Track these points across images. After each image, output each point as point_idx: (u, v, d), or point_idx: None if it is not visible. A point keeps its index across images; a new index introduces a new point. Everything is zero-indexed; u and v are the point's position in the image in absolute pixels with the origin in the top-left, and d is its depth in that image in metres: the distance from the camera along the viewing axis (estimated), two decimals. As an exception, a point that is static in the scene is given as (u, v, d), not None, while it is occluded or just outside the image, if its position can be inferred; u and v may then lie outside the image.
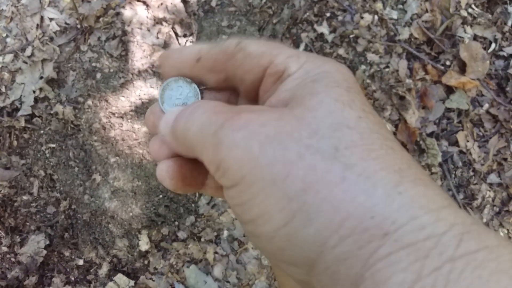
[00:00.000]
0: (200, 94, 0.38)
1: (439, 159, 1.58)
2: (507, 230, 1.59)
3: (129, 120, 1.59)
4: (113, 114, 1.59)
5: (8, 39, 1.67)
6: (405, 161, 0.26)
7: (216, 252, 1.54)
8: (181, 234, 1.55)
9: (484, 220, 1.58)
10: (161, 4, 1.64)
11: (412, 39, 1.66)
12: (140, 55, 1.62)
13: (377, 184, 0.24)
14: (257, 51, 0.32)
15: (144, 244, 1.54)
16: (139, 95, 1.61)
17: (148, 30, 1.64)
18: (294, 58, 0.31)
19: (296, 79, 0.30)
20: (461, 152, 1.63)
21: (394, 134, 1.59)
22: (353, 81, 0.29)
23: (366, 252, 0.23)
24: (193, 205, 1.58)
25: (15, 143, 1.61)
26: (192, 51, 0.35)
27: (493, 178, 1.62)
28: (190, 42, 1.66)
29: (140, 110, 1.60)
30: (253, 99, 0.36)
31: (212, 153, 0.27)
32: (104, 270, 1.55)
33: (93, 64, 1.62)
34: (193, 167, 0.35)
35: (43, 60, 1.62)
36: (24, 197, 1.59)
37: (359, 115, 0.27)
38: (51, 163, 1.59)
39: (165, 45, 1.64)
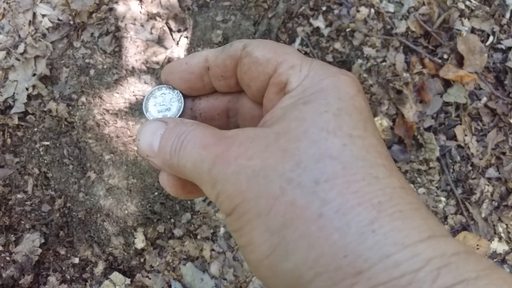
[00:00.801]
0: (183, 98, 0.38)
1: (437, 153, 1.56)
2: (506, 224, 1.58)
3: (123, 117, 1.57)
4: (107, 111, 1.58)
5: (0, 36, 1.65)
6: (389, 190, 0.25)
7: (212, 249, 1.52)
8: (177, 232, 1.54)
9: (483, 215, 1.57)
10: (155, -1, 1.62)
11: (409, 33, 1.64)
12: (134, 51, 1.60)
13: (352, 221, 0.24)
14: (263, 57, 0.32)
15: (140, 242, 1.53)
16: (133, 92, 1.59)
17: (142, 25, 1.62)
18: (296, 69, 0.31)
19: (292, 98, 0.30)
20: (459, 146, 1.61)
21: (391, 129, 1.58)
22: (349, 97, 0.29)
23: None
24: (189, 202, 1.57)
25: (8, 141, 1.59)
26: (199, 61, 0.36)
27: (491, 172, 1.61)
28: (185, 37, 1.64)
29: (135, 107, 1.58)
30: (259, 103, 0.36)
31: (209, 189, 0.29)
32: (100, 268, 1.53)
33: (87, 60, 1.61)
34: None
35: (36, 57, 1.61)
36: (19, 196, 1.57)
37: (344, 143, 0.26)
38: (45, 161, 1.57)
39: (159, 41, 1.62)
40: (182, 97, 0.38)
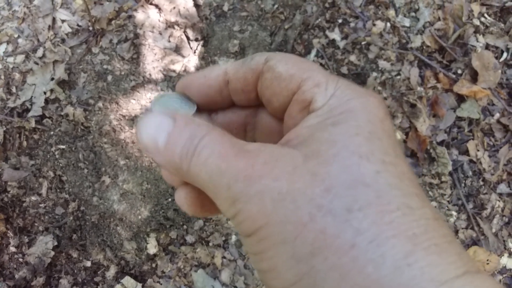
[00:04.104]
0: (199, 111, 0.36)
1: (450, 168, 1.57)
2: (516, 240, 1.58)
3: (139, 123, 1.59)
4: (124, 116, 1.59)
5: (19, 40, 1.67)
6: (423, 222, 0.24)
7: (224, 257, 1.53)
8: (189, 238, 1.55)
9: (494, 230, 1.58)
10: (174, 8, 1.64)
11: (424, 47, 1.65)
12: (152, 58, 1.62)
13: (387, 253, 0.23)
14: (286, 73, 0.30)
15: (152, 247, 1.54)
16: (150, 98, 1.61)
17: (160, 33, 1.64)
18: (322, 87, 0.29)
19: (318, 117, 0.28)
20: (471, 161, 1.62)
21: (405, 142, 1.59)
22: (379, 120, 0.28)
23: None
24: (201, 209, 1.58)
25: (24, 143, 1.61)
26: (218, 74, 0.34)
27: (503, 188, 1.61)
28: (202, 46, 1.66)
29: (151, 113, 1.60)
30: (279, 118, 0.34)
31: (227, 206, 0.27)
32: (111, 272, 1.54)
33: (105, 66, 1.63)
34: None
35: (55, 62, 1.63)
36: (33, 198, 1.59)
37: (377, 170, 0.25)
38: (61, 164, 1.59)
39: (177, 49, 1.64)
40: (195, 104, 0.35)
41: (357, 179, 0.25)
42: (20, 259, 1.56)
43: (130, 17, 1.64)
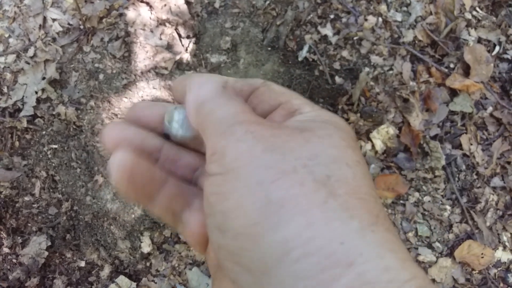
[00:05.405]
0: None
1: (443, 162, 1.57)
2: (510, 234, 1.58)
3: (131, 122, 1.58)
4: (116, 115, 1.59)
5: (10, 40, 1.66)
6: (383, 214, 0.27)
7: (218, 255, 1.53)
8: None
9: (488, 224, 1.58)
10: (165, 5, 1.63)
11: (416, 42, 1.65)
12: (143, 56, 1.61)
13: (354, 216, 0.25)
14: (279, 90, 0.35)
15: (146, 246, 1.53)
16: (142, 96, 1.60)
17: (151, 31, 1.63)
18: (309, 104, 0.34)
19: (308, 116, 0.32)
20: (464, 155, 1.62)
21: (398, 137, 1.59)
22: (355, 139, 0.32)
23: (327, 278, 0.23)
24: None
25: (17, 143, 1.60)
26: (218, 80, 0.36)
27: (496, 181, 1.61)
28: (193, 43, 1.65)
29: (143, 112, 1.59)
30: None
31: (219, 138, 0.29)
32: (106, 271, 1.54)
33: (96, 65, 1.62)
34: (148, 174, 0.33)
35: (46, 61, 1.62)
36: (26, 198, 1.58)
37: (358, 160, 0.29)
38: (53, 164, 1.58)
39: (168, 46, 1.63)
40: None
41: (342, 158, 0.28)
42: (14, 260, 1.55)
43: (121, 15, 1.63)
